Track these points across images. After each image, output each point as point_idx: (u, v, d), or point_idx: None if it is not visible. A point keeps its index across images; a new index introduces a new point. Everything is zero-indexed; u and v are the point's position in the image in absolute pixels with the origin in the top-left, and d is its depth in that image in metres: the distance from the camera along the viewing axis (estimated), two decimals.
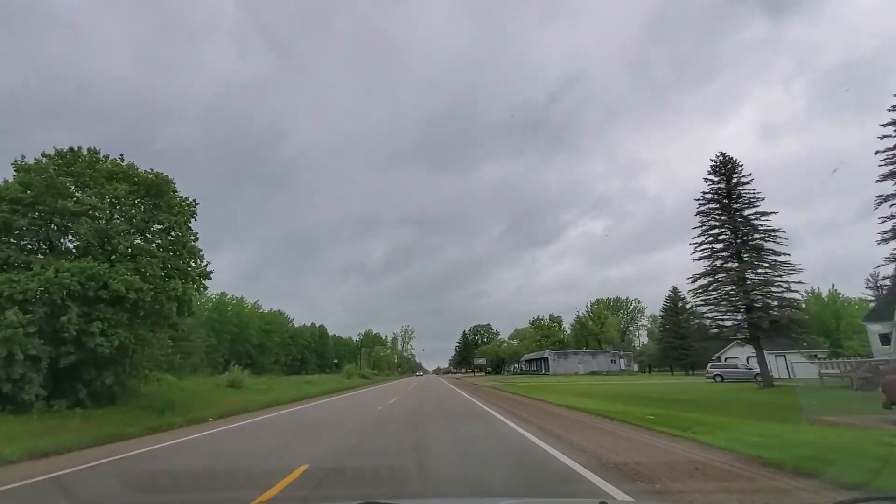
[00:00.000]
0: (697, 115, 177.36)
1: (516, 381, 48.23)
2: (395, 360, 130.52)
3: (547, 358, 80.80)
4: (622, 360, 76.75)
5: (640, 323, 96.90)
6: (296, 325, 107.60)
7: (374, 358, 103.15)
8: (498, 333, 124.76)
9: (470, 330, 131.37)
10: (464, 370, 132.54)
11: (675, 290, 65.19)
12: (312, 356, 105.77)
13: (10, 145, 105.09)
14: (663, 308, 69.47)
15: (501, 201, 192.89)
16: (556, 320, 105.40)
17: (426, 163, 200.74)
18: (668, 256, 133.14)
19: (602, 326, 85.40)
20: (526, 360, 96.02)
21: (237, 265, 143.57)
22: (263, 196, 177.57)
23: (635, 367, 76.75)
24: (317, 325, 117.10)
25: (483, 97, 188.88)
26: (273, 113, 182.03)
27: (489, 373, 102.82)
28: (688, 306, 56.98)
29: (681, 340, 59.84)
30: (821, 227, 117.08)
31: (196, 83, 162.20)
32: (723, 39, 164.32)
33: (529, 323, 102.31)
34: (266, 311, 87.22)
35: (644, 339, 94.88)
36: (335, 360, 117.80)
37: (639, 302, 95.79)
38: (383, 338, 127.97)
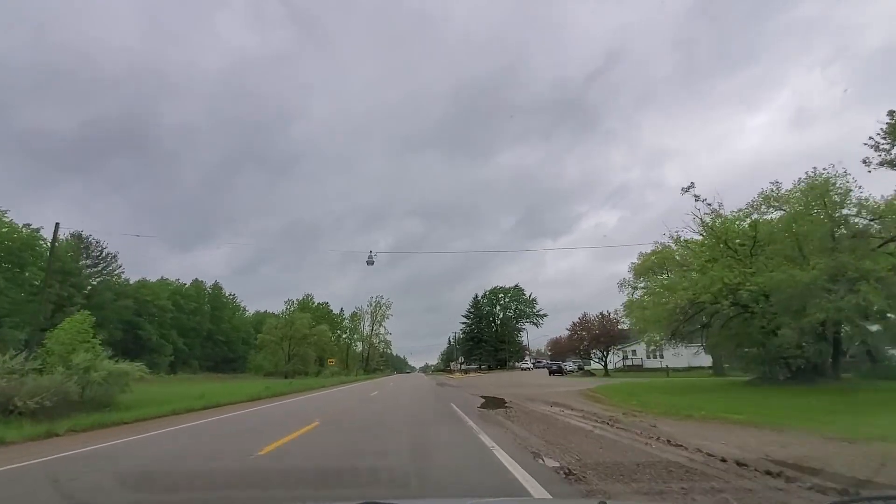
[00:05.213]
0: (730, 102, 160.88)
1: None
2: (360, 349, 77.83)
3: None
4: None
5: None
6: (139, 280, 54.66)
7: (290, 343, 50.37)
8: (535, 299, 71.66)
9: (485, 296, 77.60)
10: (475, 364, 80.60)
11: None
12: (172, 338, 52.23)
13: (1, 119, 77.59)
14: None
15: (516, 192, 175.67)
16: None
17: (443, 149, 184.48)
18: None
19: None
20: None
21: (234, 257, 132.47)
22: (268, 182, 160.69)
23: None
24: (204, 283, 63.96)
25: (513, 78, 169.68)
26: (287, 90, 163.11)
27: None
28: None
29: None
30: None
31: (207, 55, 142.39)
32: (773, 17, 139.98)
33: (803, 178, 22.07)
34: None
35: None
36: (250, 351, 66.20)
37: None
38: (335, 312, 74.14)
